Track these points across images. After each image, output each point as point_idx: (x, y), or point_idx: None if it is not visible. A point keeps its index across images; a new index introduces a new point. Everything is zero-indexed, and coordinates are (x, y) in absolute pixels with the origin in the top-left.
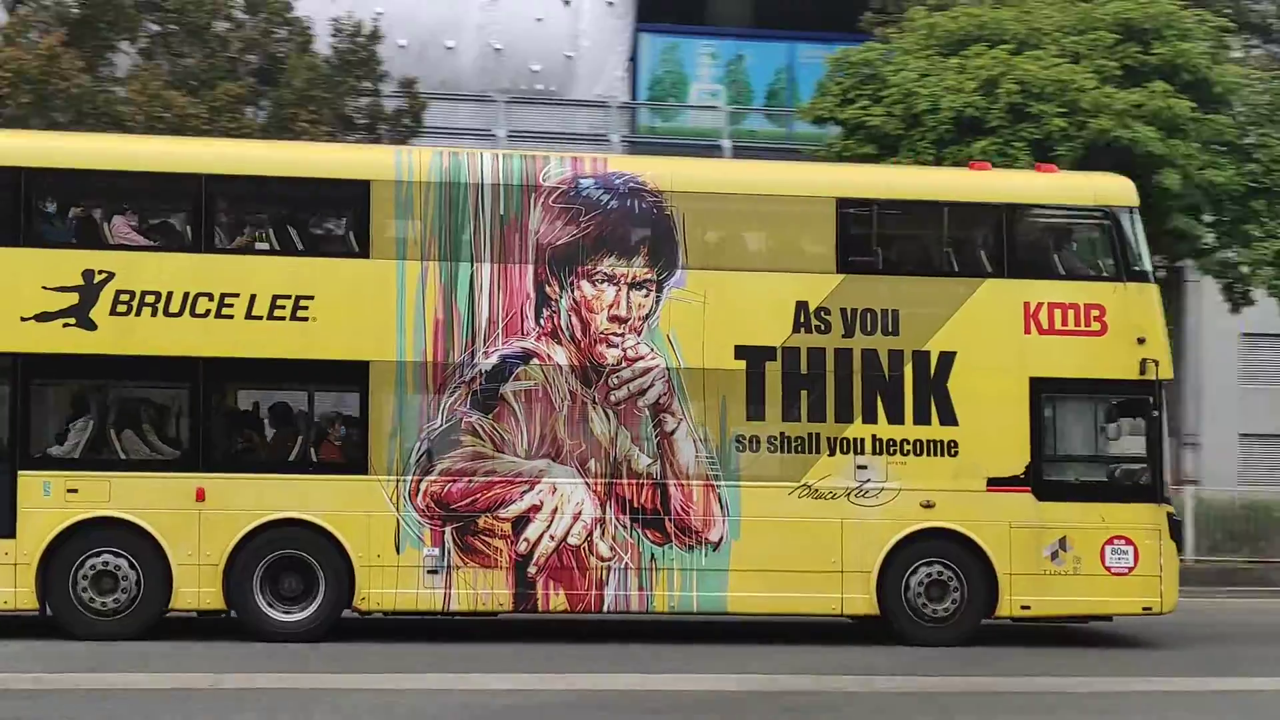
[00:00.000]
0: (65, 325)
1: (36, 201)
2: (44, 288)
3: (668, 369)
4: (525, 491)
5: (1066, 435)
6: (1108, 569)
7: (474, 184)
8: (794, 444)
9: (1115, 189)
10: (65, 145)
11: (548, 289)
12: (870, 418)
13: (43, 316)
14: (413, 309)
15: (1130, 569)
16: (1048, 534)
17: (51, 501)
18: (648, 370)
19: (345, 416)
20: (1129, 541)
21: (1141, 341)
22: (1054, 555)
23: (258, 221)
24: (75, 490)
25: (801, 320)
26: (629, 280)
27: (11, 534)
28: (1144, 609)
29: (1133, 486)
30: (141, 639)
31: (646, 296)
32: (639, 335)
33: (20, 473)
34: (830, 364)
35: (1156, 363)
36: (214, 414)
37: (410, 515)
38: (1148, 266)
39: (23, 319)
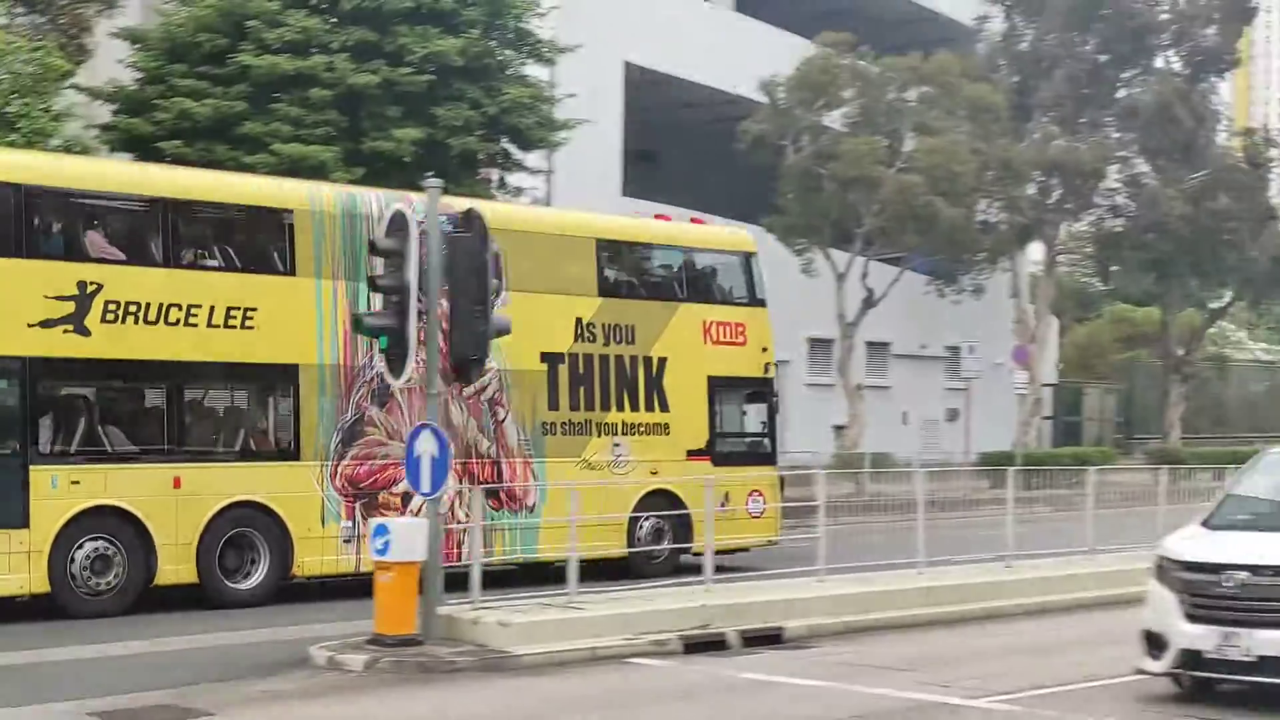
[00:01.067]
0: (65, 331)
1: (33, 217)
2: (45, 296)
3: (499, 370)
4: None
5: (727, 418)
6: (750, 514)
7: (365, 215)
8: (577, 428)
9: (746, 238)
10: (59, 167)
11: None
12: (621, 407)
13: (46, 323)
14: (329, 320)
15: (762, 513)
16: (719, 489)
17: (58, 493)
18: (486, 371)
19: (283, 412)
20: (760, 494)
21: (764, 350)
22: (722, 504)
23: (207, 241)
24: (78, 482)
25: (579, 332)
26: None
27: (25, 524)
28: (769, 541)
29: (762, 454)
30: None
31: None
32: None
33: (31, 467)
34: (596, 366)
35: (773, 364)
36: (186, 411)
37: (330, 494)
38: (764, 294)
39: (29, 325)
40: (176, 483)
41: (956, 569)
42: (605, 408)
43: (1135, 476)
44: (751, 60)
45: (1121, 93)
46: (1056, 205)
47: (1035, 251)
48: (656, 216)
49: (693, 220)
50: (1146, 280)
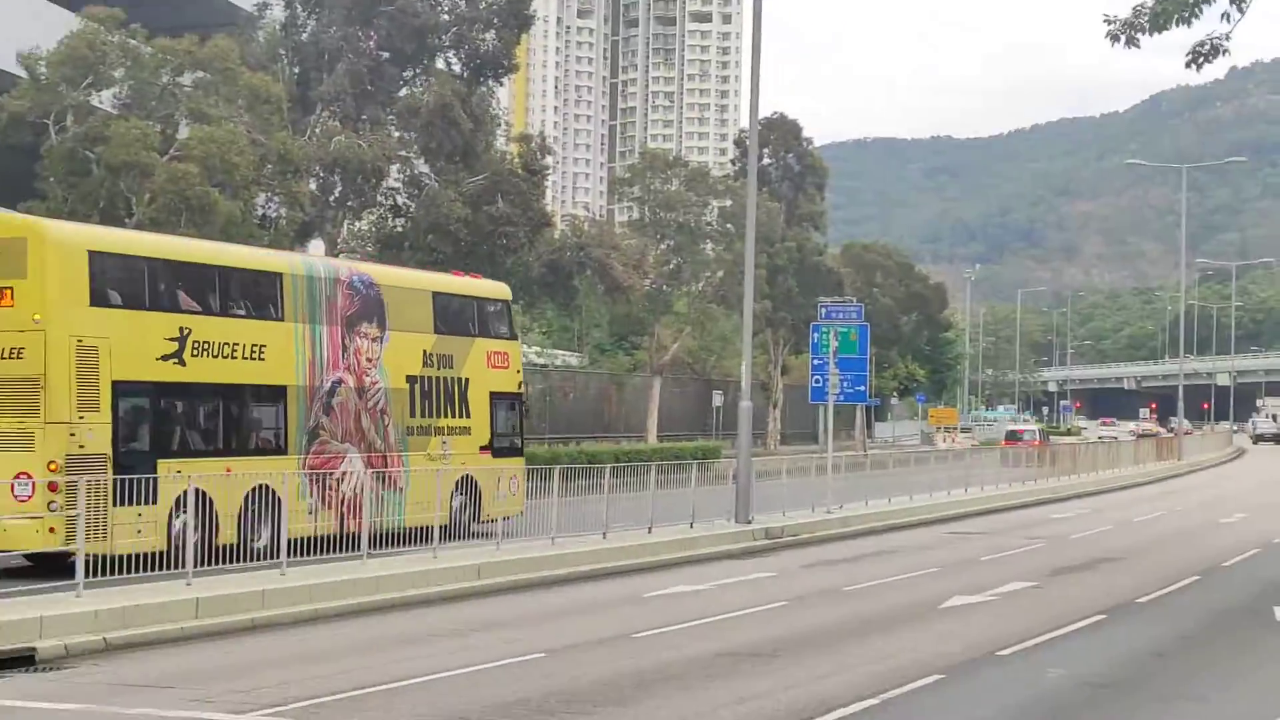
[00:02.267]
0: (174, 364)
1: (156, 282)
2: (163, 338)
3: (383, 388)
4: (341, 462)
5: (499, 422)
6: (512, 492)
7: (320, 277)
8: (423, 430)
9: (505, 289)
10: (167, 242)
11: (345, 341)
12: (445, 415)
13: (163, 357)
14: (304, 352)
15: (516, 493)
16: (501, 474)
17: (170, 479)
18: (378, 388)
19: (281, 419)
20: (516, 478)
21: (518, 371)
22: (497, 483)
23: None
24: (180, 471)
25: (425, 359)
26: (370, 336)
27: (155, 502)
28: (519, 513)
29: (517, 448)
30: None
31: (377, 344)
32: (375, 368)
33: (159, 460)
34: (433, 385)
35: (524, 383)
36: (231, 419)
37: (303, 478)
38: (516, 331)
39: (155, 358)
40: (228, 470)
41: (232, 577)
42: (438, 415)
43: None
44: (8, 30)
45: (403, 91)
46: (338, 202)
47: (316, 248)
48: (454, 273)
49: (454, 273)
50: None
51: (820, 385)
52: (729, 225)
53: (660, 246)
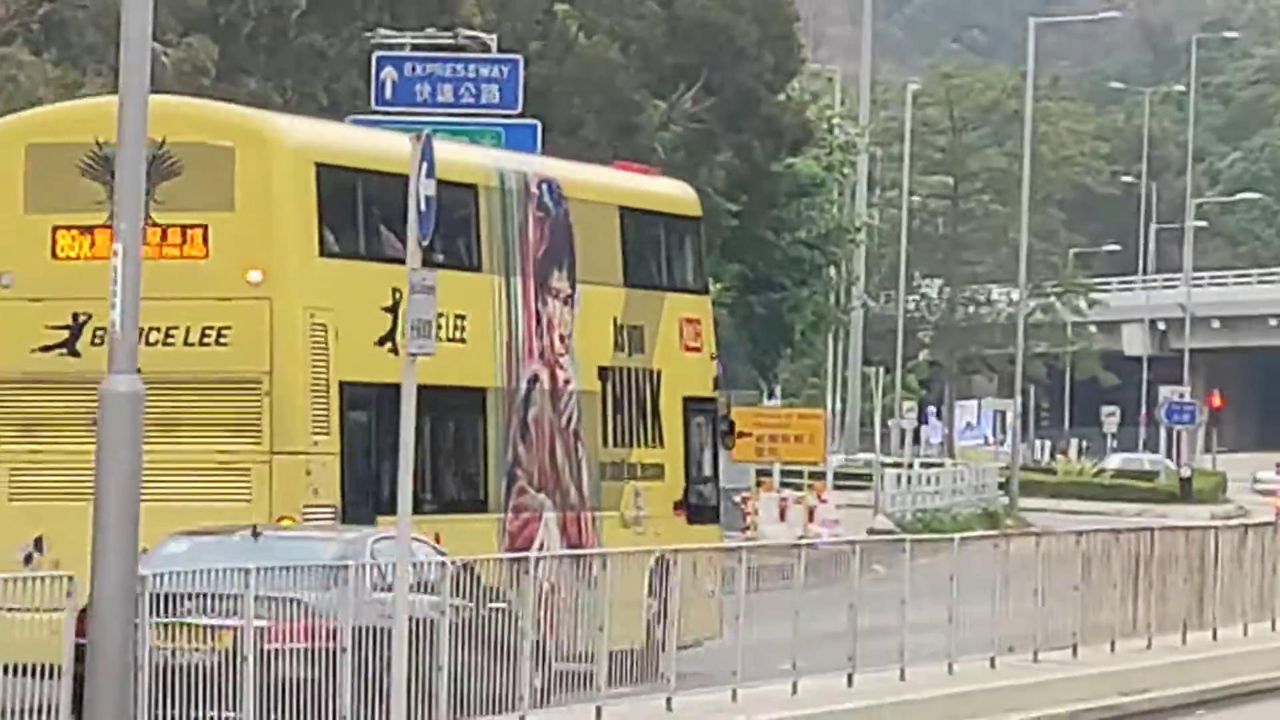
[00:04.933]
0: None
1: None
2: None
3: (575, 391)
4: (538, 528)
5: (694, 454)
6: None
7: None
8: (616, 471)
9: (691, 191)
10: None
11: (537, 305)
12: (639, 442)
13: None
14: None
15: None
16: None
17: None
18: (570, 392)
19: (479, 448)
20: (715, 565)
21: (714, 358)
22: None
23: None
24: None
25: (615, 338)
26: (560, 295)
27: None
28: None
29: (713, 507)
30: None
31: (569, 311)
32: (568, 354)
33: (378, 517)
34: (625, 385)
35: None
36: (434, 447)
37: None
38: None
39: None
40: (438, 539)
41: None
42: (632, 442)
43: None
44: None
45: None
46: None
47: None
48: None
49: (618, 165)
50: None
51: None
52: None
53: None
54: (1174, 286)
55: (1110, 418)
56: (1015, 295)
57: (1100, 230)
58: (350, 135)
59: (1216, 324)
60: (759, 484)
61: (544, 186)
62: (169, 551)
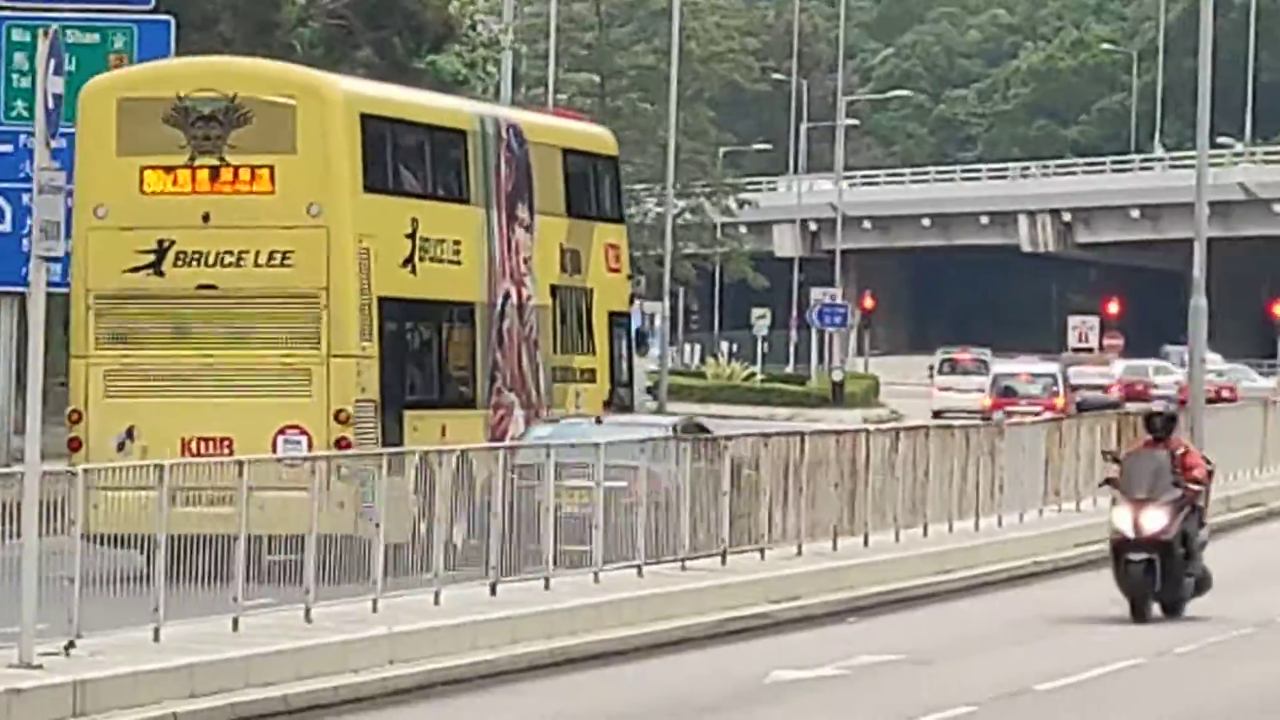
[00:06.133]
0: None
1: None
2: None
3: (536, 306)
4: (510, 422)
5: (618, 359)
6: None
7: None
8: (564, 374)
9: (609, 135)
10: None
11: (508, 232)
12: (578, 349)
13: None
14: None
15: None
16: None
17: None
18: (533, 306)
19: (470, 355)
20: None
21: (630, 277)
22: None
23: None
24: (417, 429)
25: (561, 260)
26: (523, 223)
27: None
28: None
29: (629, 406)
30: None
31: (530, 236)
32: (529, 275)
33: (405, 413)
34: (569, 301)
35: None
36: (442, 354)
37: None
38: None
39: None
40: (444, 431)
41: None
42: (574, 349)
43: None
44: None
45: None
46: None
47: None
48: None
49: (557, 111)
50: None
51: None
52: None
53: None
54: (825, 187)
55: (761, 320)
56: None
57: (751, 129)
58: (382, 90)
59: (868, 224)
60: None
61: (511, 131)
62: (538, 433)
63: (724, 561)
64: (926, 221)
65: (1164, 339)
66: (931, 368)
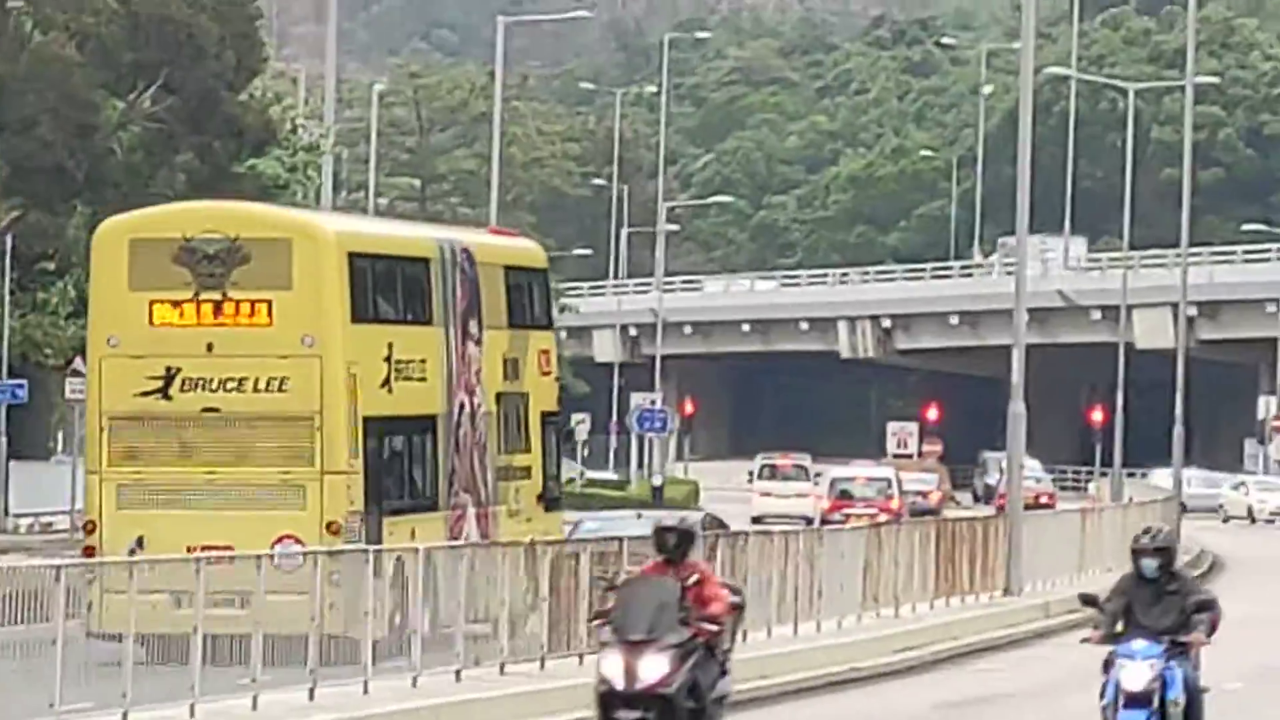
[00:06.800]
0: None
1: None
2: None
3: (486, 412)
4: (464, 522)
5: (550, 456)
6: None
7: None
8: (505, 473)
9: (538, 247)
10: None
11: (460, 347)
12: (517, 450)
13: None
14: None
15: None
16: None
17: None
18: (482, 413)
19: (430, 462)
20: None
21: (559, 379)
22: None
23: None
24: (392, 534)
25: (504, 369)
26: (474, 338)
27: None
28: None
29: (558, 499)
30: None
31: (479, 349)
32: (479, 384)
33: (385, 520)
34: (511, 405)
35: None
36: (412, 462)
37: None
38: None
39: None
40: (412, 534)
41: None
42: (513, 449)
43: None
44: None
45: None
46: None
47: None
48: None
49: (491, 230)
50: None
51: None
52: None
53: None
54: (646, 291)
55: (581, 425)
56: None
57: (572, 234)
58: (364, 227)
59: (689, 329)
60: None
61: (464, 255)
62: (588, 526)
63: (542, 666)
64: (746, 327)
65: (983, 444)
66: (751, 473)
